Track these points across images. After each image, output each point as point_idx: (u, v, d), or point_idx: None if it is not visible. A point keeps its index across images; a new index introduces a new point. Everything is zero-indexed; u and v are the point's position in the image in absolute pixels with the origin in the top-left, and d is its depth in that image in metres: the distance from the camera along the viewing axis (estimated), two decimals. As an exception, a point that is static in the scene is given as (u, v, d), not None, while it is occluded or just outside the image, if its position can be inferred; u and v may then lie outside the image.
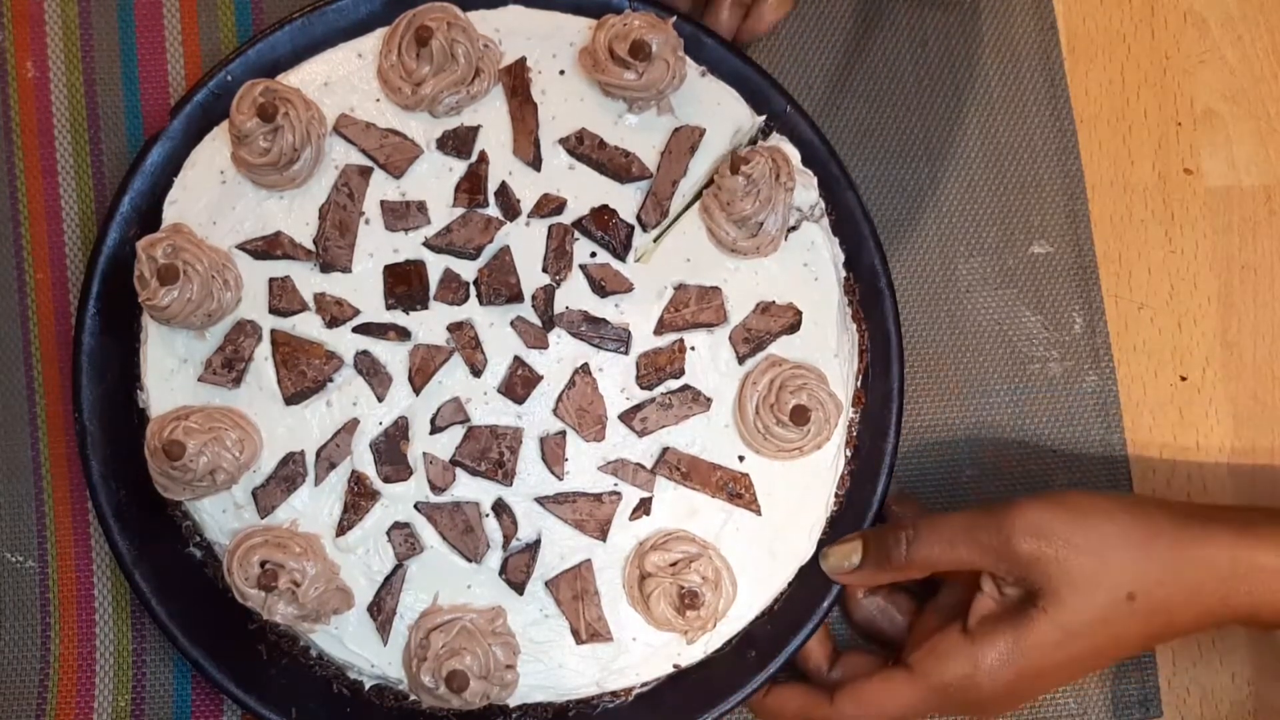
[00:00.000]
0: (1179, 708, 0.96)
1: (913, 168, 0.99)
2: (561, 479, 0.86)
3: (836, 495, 0.89)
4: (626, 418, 0.86)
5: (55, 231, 0.96)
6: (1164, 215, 1.00)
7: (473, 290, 0.86)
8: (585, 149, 0.87)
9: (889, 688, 0.84)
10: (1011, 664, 0.82)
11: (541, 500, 0.86)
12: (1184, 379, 0.99)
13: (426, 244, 0.87)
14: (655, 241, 0.87)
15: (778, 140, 0.89)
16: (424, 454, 0.85)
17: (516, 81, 0.87)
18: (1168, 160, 1.01)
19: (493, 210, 0.87)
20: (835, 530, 0.89)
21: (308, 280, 0.86)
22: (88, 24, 0.98)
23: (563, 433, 0.86)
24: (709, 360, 0.87)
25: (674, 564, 0.84)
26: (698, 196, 0.88)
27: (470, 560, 0.85)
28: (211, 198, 0.86)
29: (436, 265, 0.87)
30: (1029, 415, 0.98)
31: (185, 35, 0.98)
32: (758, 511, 0.86)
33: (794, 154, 0.88)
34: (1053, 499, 0.83)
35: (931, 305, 0.98)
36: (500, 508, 0.85)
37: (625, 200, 0.87)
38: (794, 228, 0.87)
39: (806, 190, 0.87)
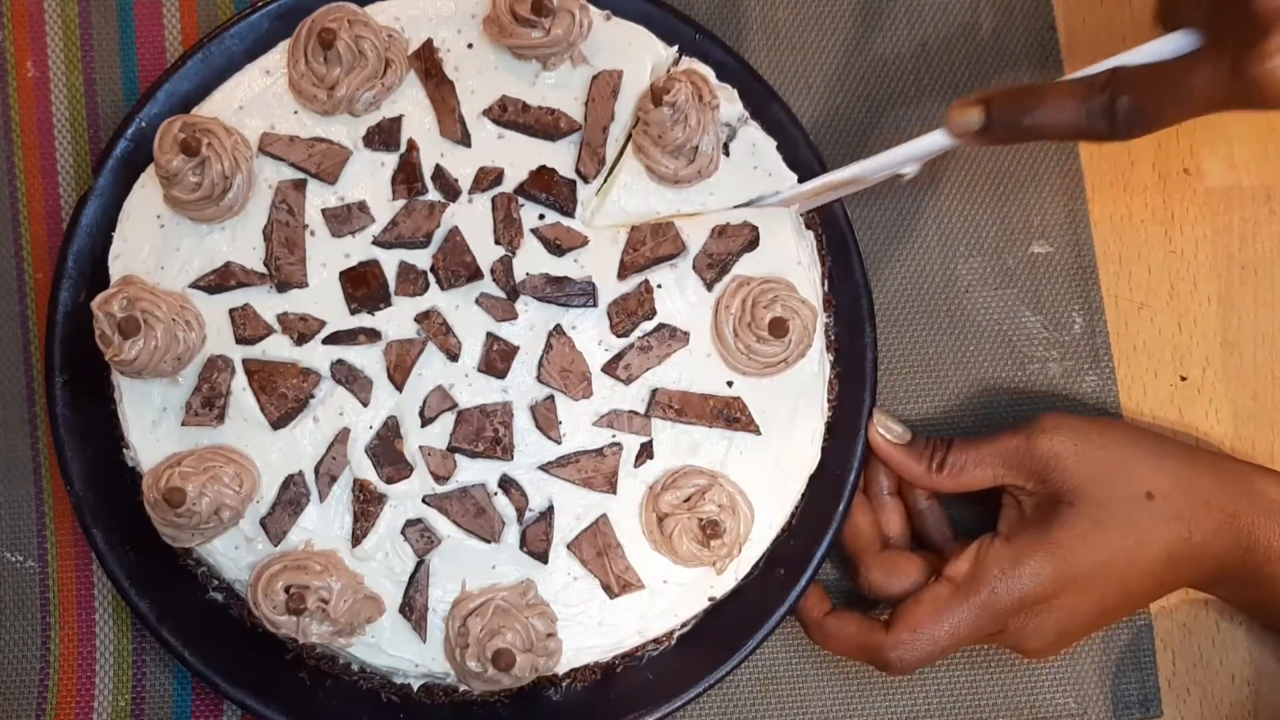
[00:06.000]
0: (1179, 708, 0.96)
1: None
2: (559, 442, 0.86)
3: (828, 400, 0.89)
4: (610, 369, 0.86)
5: (55, 232, 0.95)
6: (1164, 215, 0.99)
7: (431, 277, 0.86)
8: (510, 115, 0.87)
9: (937, 609, 0.85)
10: (1049, 559, 0.84)
11: (545, 467, 0.86)
12: (1184, 379, 0.98)
13: (376, 242, 0.86)
14: (598, 195, 0.87)
15: (690, 63, 0.89)
16: (420, 448, 0.85)
17: (428, 64, 0.87)
18: (1168, 160, 1.00)
19: (433, 195, 0.87)
20: (834, 435, 0.89)
21: (267, 303, 0.86)
22: (87, 24, 0.97)
23: (551, 397, 0.86)
24: (678, 294, 0.87)
25: (688, 499, 0.85)
26: (630, 138, 0.88)
27: (489, 541, 0.85)
28: (154, 244, 0.85)
29: (390, 261, 0.86)
30: (1029, 415, 0.94)
31: (185, 35, 0.98)
32: (757, 431, 0.87)
33: (709, 72, 0.88)
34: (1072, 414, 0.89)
35: (931, 305, 0.98)
36: (507, 483, 0.85)
37: (561, 157, 0.88)
38: (729, 141, 0.88)
39: (730, 104, 0.88)
